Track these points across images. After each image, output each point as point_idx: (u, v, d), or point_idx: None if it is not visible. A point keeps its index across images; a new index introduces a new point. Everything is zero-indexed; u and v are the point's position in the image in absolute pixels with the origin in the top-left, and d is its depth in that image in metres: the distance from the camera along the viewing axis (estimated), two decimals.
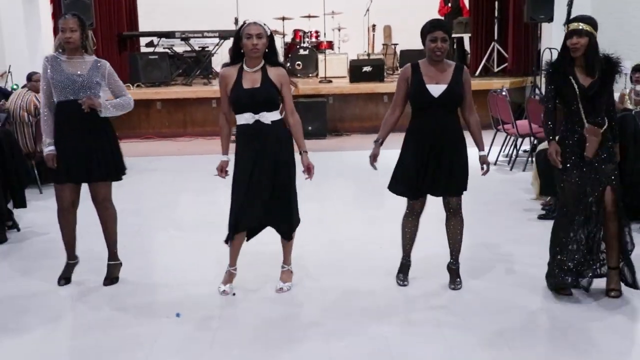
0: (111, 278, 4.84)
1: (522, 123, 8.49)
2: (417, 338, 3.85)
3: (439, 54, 4.26)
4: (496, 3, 12.79)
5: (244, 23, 4.32)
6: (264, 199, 4.34)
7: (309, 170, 4.44)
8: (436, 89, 4.27)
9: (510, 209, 6.57)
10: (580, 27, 4.09)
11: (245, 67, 4.33)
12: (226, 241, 4.49)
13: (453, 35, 13.50)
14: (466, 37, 13.65)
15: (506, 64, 12.67)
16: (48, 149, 4.62)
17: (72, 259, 4.93)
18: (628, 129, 5.80)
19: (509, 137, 8.83)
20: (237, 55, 4.36)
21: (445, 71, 4.32)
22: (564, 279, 4.31)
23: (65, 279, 4.87)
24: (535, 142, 8.31)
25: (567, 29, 4.20)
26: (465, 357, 3.60)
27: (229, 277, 4.57)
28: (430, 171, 4.34)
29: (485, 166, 4.43)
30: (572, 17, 4.24)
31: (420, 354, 3.63)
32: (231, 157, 4.45)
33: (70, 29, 4.49)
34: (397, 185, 4.48)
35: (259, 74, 4.31)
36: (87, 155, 4.60)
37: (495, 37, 12.80)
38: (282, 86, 4.35)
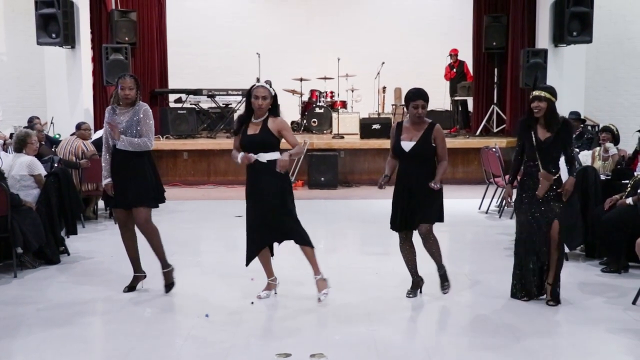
0: (168, 284, 5.66)
1: None
2: (396, 331, 4.86)
3: (419, 117, 5.33)
4: (496, 70, 13.86)
5: (254, 85, 5.38)
6: (268, 223, 5.33)
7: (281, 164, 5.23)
8: (407, 145, 5.35)
9: (491, 247, 7.56)
10: (541, 94, 5.20)
11: (252, 118, 5.38)
12: (246, 264, 5.50)
13: (457, 98, 14.63)
14: (469, 100, 14.71)
15: (504, 125, 13.66)
16: (105, 181, 5.67)
17: (137, 272, 5.80)
18: (590, 180, 6.83)
19: (499, 188, 9.80)
20: (249, 110, 5.41)
21: (419, 130, 5.35)
22: (518, 291, 5.49)
23: (129, 287, 5.75)
24: None
25: (532, 95, 5.30)
26: (433, 343, 4.59)
27: (268, 286, 5.56)
28: (406, 209, 5.37)
29: (432, 184, 5.22)
30: (538, 85, 5.36)
31: (397, 342, 4.62)
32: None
33: (128, 87, 5.49)
34: (391, 222, 5.52)
35: (260, 124, 5.34)
36: (124, 185, 5.52)
37: (495, 101, 13.82)
38: (281, 131, 5.33)
